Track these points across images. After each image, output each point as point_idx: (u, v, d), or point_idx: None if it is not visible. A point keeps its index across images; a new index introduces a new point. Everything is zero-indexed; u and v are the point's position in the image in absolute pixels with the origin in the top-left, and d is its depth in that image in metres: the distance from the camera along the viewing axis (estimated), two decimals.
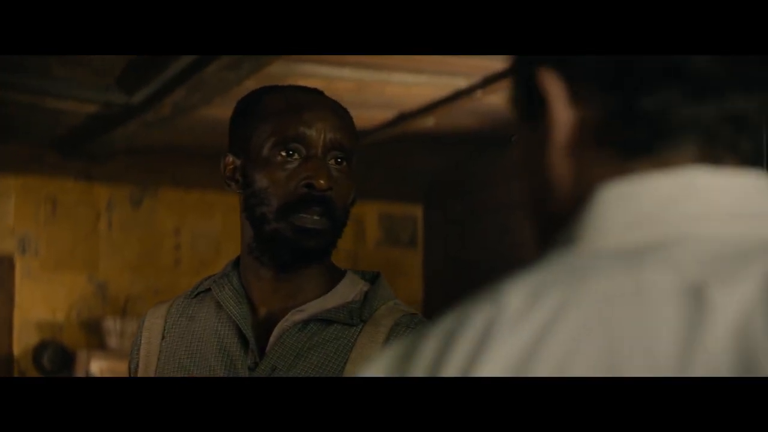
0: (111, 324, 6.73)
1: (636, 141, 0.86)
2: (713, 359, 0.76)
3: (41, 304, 7.05)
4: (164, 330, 1.94)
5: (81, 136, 6.17)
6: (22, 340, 6.98)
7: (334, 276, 1.90)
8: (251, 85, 4.51)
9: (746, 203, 0.84)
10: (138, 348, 1.97)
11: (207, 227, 7.31)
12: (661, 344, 0.77)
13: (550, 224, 0.92)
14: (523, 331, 0.79)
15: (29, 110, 5.33)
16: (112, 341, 6.69)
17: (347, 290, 1.88)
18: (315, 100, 1.89)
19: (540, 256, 0.88)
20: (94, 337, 6.98)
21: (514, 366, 0.78)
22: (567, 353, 0.78)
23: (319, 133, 1.84)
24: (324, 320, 1.83)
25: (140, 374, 1.94)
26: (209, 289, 1.93)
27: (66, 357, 6.89)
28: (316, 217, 1.81)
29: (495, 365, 0.78)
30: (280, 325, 1.82)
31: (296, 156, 1.83)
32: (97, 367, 6.54)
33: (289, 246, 1.82)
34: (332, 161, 1.85)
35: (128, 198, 7.28)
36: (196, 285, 1.98)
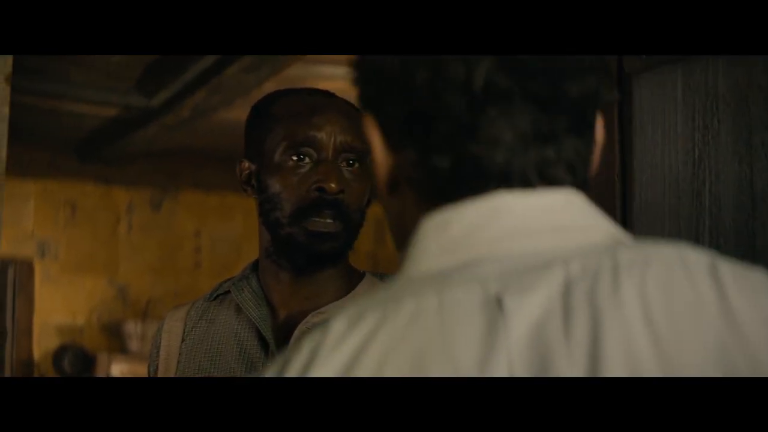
0: (132, 327, 6.74)
1: (440, 192, 0.96)
2: (511, 359, 0.85)
3: (61, 308, 7.07)
4: (184, 333, 1.94)
5: (100, 140, 6.18)
6: (43, 344, 6.99)
7: (353, 278, 1.90)
8: (270, 87, 4.50)
9: (548, 219, 0.93)
10: (158, 351, 1.97)
11: (227, 230, 7.32)
12: (462, 350, 0.86)
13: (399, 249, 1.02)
14: (342, 352, 0.89)
15: (48, 115, 5.34)
16: (133, 344, 6.70)
17: (366, 293, 1.87)
18: (325, 103, 1.89)
19: None
20: (115, 340, 7.00)
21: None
22: (378, 369, 0.88)
23: (329, 136, 1.83)
24: None
25: (160, 376, 1.93)
26: (228, 292, 1.93)
27: (86, 360, 6.90)
28: (329, 221, 1.80)
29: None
30: (300, 328, 1.82)
31: (307, 160, 1.83)
32: (118, 370, 6.55)
33: (303, 250, 1.82)
34: (344, 164, 1.84)
35: (148, 201, 7.30)
36: (215, 288, 1.98)
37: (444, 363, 0.86)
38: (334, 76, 4.49)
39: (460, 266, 0.91)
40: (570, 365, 0.85)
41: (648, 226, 1.79)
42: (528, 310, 0.87)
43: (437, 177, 0.95)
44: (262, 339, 1.83)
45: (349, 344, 0.90)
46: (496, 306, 0.87)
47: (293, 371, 0.91)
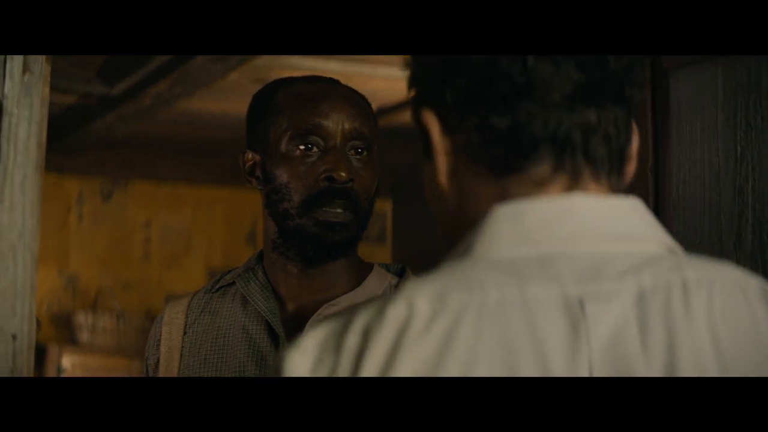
0: (82, 318, 6.65)
1: (499, 158, 0.99)
2: (592, 364, 0.91)
3: None
4: (186, 325, 1.90)
5: (57, 128, 6.10)
6: None
7: (362, 269, 1.87)
8: (236, 77, 4.46)
9: (615, 225, 0.98)
10: (158, 344, 1.92)
11: (177, 221, 7.25)
12: (550, 349, 0.91)
13: (451, 238, 1.05)
14: (433, 335, 0.91)
15: None
16: (83, 335, 6.61)
17: (376, 284, 1.85)
18: (330, 90, 1.86)
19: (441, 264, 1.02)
20: (65, 331, 6.91)
21: (427, 365, 0.91)
22: (470, 356, 0.90)
23: (336, 124, 1.80)
24: None
25: (161, 370, 1.89)
26: (232, 283, 1.89)
27: (36, 351, 6.81)
28: (339, 210, 1.78)
29: (410, 363, 0.91)
30: (312, 320, 1.79)
31: (315, 149, 1.80)
32: (69, 361, 6.46)
33: (314, 241, 1.79)
34: (352, 152, 1.81)
35: (99, 191, 7.21)
36: (217, 279, 1.94)
37: (533, 359, 0.91)
38: (301, 66, 4.45)
39: (534, 260, 0.95)
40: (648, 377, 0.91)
41: (686, 221, 1.79)
42: (608, 318, 0.92)
43: (497, 140, 0.99)
44: (272, 332, 1.80)
45: (439, 327, 0.92)
46: (579, 310, 0.93)
47: (381, 345, 0.93)
